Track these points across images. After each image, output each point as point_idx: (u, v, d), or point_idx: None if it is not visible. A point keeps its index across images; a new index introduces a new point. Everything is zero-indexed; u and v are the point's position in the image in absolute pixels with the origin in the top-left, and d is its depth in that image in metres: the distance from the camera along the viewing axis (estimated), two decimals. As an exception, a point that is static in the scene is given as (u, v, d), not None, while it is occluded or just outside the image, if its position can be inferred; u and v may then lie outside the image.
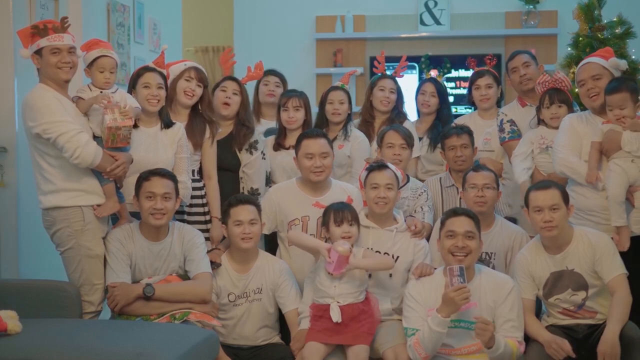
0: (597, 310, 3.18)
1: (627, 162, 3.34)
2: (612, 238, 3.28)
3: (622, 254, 3.22)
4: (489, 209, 3.50)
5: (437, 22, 6.71)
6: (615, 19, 4.92)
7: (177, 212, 3.55)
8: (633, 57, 4.86)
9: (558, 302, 3.20)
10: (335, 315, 3.16)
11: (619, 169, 3.34)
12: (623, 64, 3.60)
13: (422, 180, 3.99)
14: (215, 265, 3.40)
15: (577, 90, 3.72)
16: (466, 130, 3.89)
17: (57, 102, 3.15)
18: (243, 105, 3.88)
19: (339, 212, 3.27)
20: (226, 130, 3.85)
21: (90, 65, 3.34)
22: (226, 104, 3.84)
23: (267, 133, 4.19)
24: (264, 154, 3.86)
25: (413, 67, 5.99)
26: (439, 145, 4.07)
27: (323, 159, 3.51)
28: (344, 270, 3.15)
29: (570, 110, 3.78)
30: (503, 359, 3.00)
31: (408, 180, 3.81)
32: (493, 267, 3.45)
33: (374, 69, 4.45)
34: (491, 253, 3.48)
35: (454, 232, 3.09)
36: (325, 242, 3.30)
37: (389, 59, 4.54)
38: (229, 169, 3.80)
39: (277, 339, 3.46)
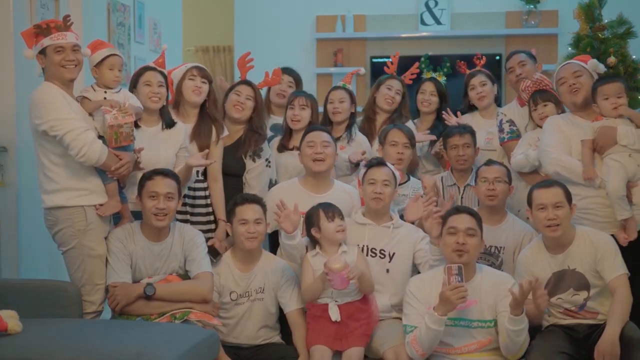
0: (598, 311, 3.18)
1: (625, 156, 3.35)
2: (614, 234, 3.31)
3: (623, 253, 3.22)
4: (500, 203, 3.53)
5: (438, 22, 6.71)
6: (615, 19, 4.92)
7: (180, 212, 3.55)
8: (634, 56, 4.86)
9: (560, 302, 3.20)
10: (334, 315, 3.18)
11: (617, 164, 3.34)
12: (602, 67, 3.64)
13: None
14: (216, 255, 3.39)
15: (556, 89, 3.72)
16: (469, 130, 3.89)
17: (63, 100, 3.15)
18: (257, 111, 3.87)
19: (328, 208, 3.28)
20: (235, 136, 3.85)
21: (99, 64, 3.34)
22: (237, 107, 3.83)
23: (273, 128, 4.19)
24: (268, 162, 3.84)
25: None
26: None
27: (324, 148, 3.54)
28: (354, 280, 3.11)
29: (558, 106, 3.79)
30: (518, 347, 3.01)
31: (408, 179, 3.82)
32: (501, 262, 3.48)
33: (385, 68, 4.45)
34: (500, 247, 3.50)
35: (456, 229, 3.11)
36: (315, 246, 3.31)
37: (389, 58, 4.54)
38: (233, 174, 3.80)
39: (277, 338, 3.46)
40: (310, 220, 3.29)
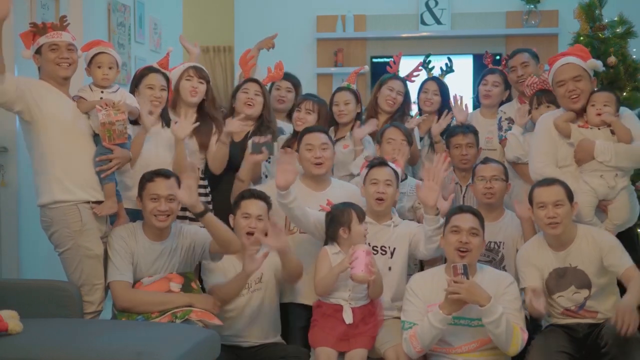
0: (597, 310, 3.18)
1: (596, 178, 3.35)
2: None
3: None
4: (498, 201, 3.56)
5: (438, 22, 6.71)
6: (616, 19, 4.92)
7: (182, 209, 3.54)
8: (634, 56, 4.86)
9: (561, 301, 3.20)
10: (348, 318, 3.20)
11: (587, 189, 3.35)
12: (599, 64, 3.61)
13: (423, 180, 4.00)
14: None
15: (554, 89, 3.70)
16: (472, 130, 3.91)
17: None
18: (266, 106, 3.90)
19: (358, 209, 3.29)
20: (244, 133, 3.87)
21: (89, 63, 3.35)
22: (249, 104, 3.84)
23: None
24: (268, 160, 3.85)
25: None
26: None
27: (323, 151, 3.56)
28: (373, 270, 3.12)
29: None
30: (506, 339, 2.99)
31: (406, 177, 3.83)
32: (502, 257, 3.50)
33: (388, 68, 4.44)
34: (500, 242, 3.51)
35: (459, 228, 3.12)
36: (328, 242, 3.31)
37: (389, 58, 4.54)
38: (236, 169, 3.81)
39: (277, 338, 3.46)
40: (338, 219, 3.28)
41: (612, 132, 3.38)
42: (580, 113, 3.48)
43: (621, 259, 3.15)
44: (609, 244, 3.18)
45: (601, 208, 3.39)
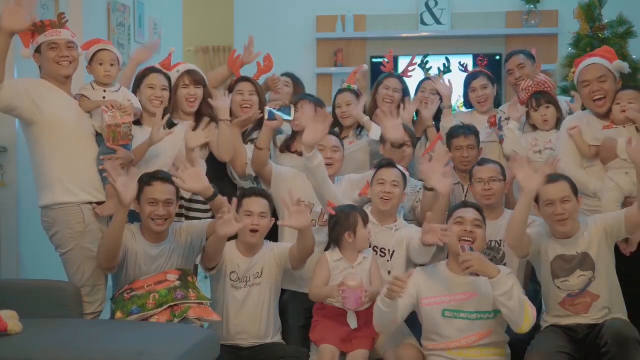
0: (599, 294, 3.16)
1: (621, 175, 3.37)
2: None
3: (625, 260, 3.26)
4: (498, 201, 3.56)
5: (438, 22, 6.72)
6: (616, 19, 4.93)
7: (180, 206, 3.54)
8: (634, 56, 4.87)
9: (564, 285, 3.19)
10: (353, 323, 3.21)
11: (612, 185, 3.37)
12: (626, 66, 3.61)
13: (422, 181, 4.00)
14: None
15: (570, 89, 3.71)
16: (473, 131, 3.90)
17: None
18: (262, 103, 3.87)
19: (363, 213, 3.31)
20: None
21: (91, 61, 3.34)
22: (246, 107, 3.82)
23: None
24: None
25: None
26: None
27: (334, 153, 3.61)
28: (365, 300, 3.14)
29: (558, 110, 3.80)
30: (520, 313, 3.00)
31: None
32: (504, 255, 3.51)
33: (382, 67, 4.43)
34: (500, 241, 3.51)
35: (463, 219, 3.16)
36: (331, 245, 3.33)
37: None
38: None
39: (278, 338, 3.46)
40: (343, 223, 3.28)
41: (638, 130, 3.41)
42: (606, 116, 3.52)
43: (619, 212, 3.20)
44: (603, 216, 3.23)
45: (627, 205, 3.36)
